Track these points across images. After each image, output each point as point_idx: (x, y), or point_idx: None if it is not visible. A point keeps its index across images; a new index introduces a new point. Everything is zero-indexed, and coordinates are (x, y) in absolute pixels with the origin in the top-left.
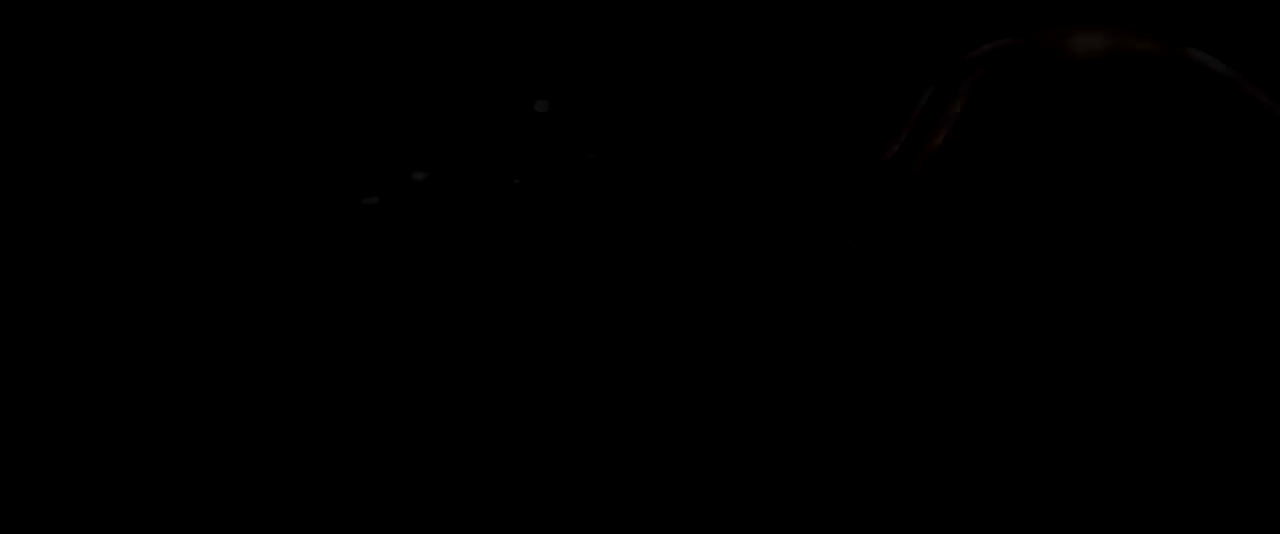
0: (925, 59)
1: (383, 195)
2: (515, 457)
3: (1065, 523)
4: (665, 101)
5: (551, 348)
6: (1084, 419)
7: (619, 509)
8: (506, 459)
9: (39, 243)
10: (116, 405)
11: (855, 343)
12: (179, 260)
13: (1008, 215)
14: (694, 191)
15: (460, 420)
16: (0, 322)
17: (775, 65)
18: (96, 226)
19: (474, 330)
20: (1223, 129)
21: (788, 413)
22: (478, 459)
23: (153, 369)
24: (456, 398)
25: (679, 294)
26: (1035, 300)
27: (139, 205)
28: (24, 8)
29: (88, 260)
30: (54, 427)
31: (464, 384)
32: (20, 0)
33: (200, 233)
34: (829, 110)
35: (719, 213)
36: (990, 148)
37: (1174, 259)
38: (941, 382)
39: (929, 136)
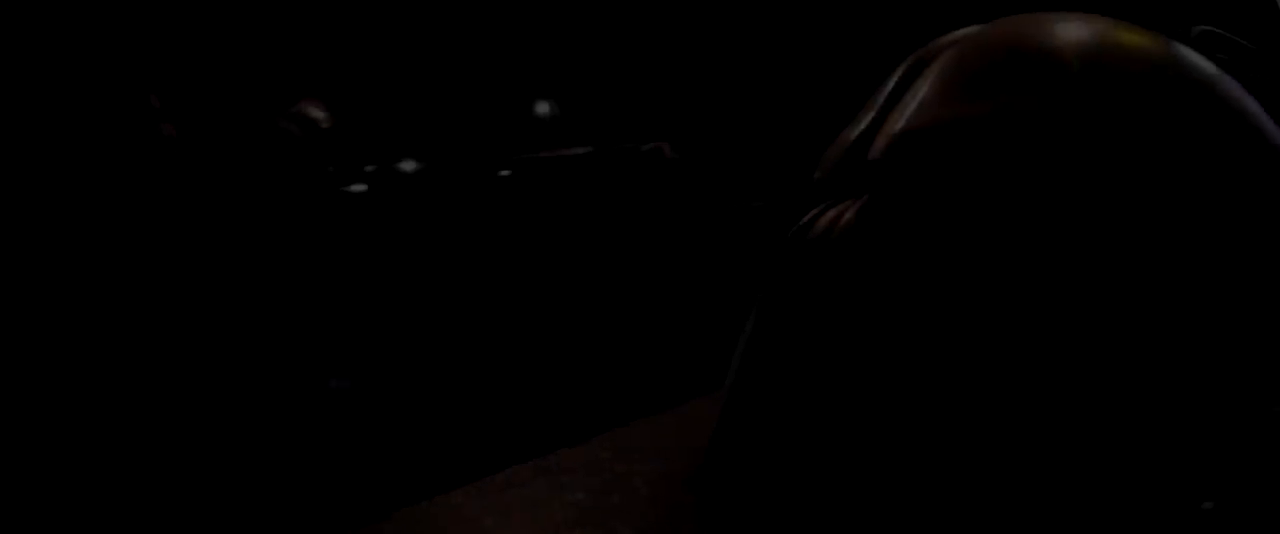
0: (898, 48)
1: (370, 183)
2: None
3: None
4: (648, 94)
5: (533, 335)
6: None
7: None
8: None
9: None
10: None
11: (807, 327)
12: (157, 247)
13: (967, 202)
14: (671, 178)
15: (439, 405)
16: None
17: (755, 57)
18: (73, 224)
19: (456, 316)
20: (1203, 127)
21: (753, 394)
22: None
23: (135, 361)
24: (438, 384)
25: (657, 280)
26: (992, 291)
27: (114, 195)
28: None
29: (66, 256)
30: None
31: (445, 370)
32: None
33: (175, 215)
34: (807, 100)
35: (695, 200)
36: (952, 133)
37: (1143, 256)
38: (889, 366)
39: (889, 119)
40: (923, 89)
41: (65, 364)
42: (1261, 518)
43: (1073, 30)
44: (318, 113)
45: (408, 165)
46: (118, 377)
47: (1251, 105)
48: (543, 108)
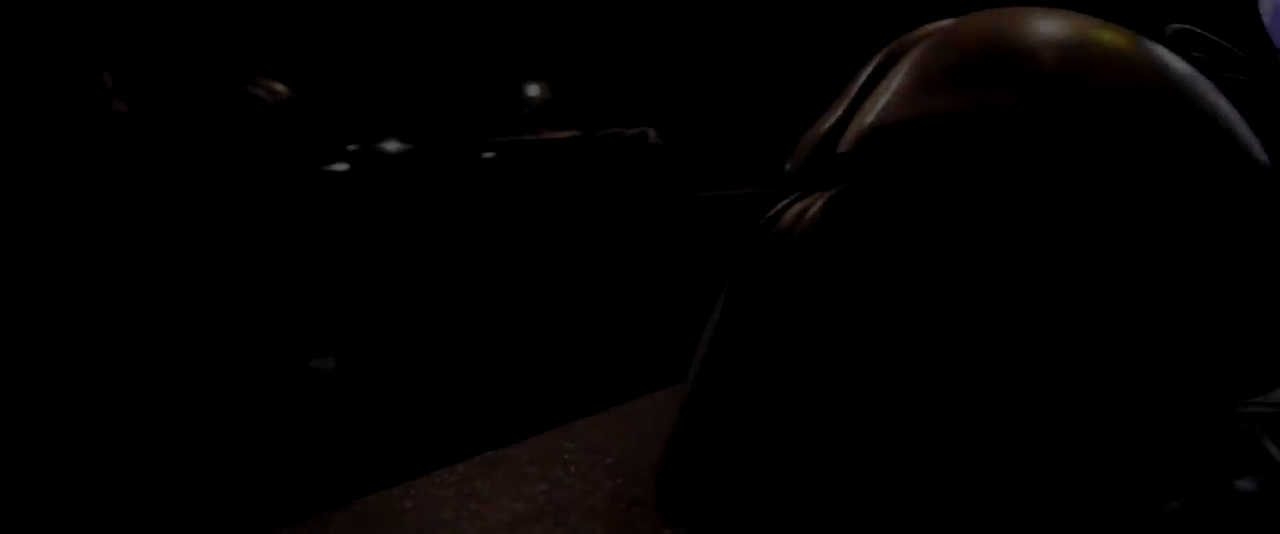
0: (880, 38)
1: (352, 163)
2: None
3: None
4: (636, 79)
5: (509, 320)
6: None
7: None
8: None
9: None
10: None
11: (775, 318)
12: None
13: (936, 198)
14: (656, 164)
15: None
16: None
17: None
18: (29, 206)
19: (434, 299)
20: (1174, 129)
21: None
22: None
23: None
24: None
25: (637, 267)
26: (958, 288)
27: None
28: None
29: (26, 239)
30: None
31: (421, 354)
32: None
33: (157, 194)
34: (793, 89)
35: (679, 186)
36: (923, 129)
37: (1112, 255)
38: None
39: (860, 112)
40: (895, 82)
41: (28, 346)
42: (1226, 518)
43: (1049, 27)
44: (278, 86)
45: (391, 146)
46: (83, 359)
47: (1224, 107)
48: (532, 91)
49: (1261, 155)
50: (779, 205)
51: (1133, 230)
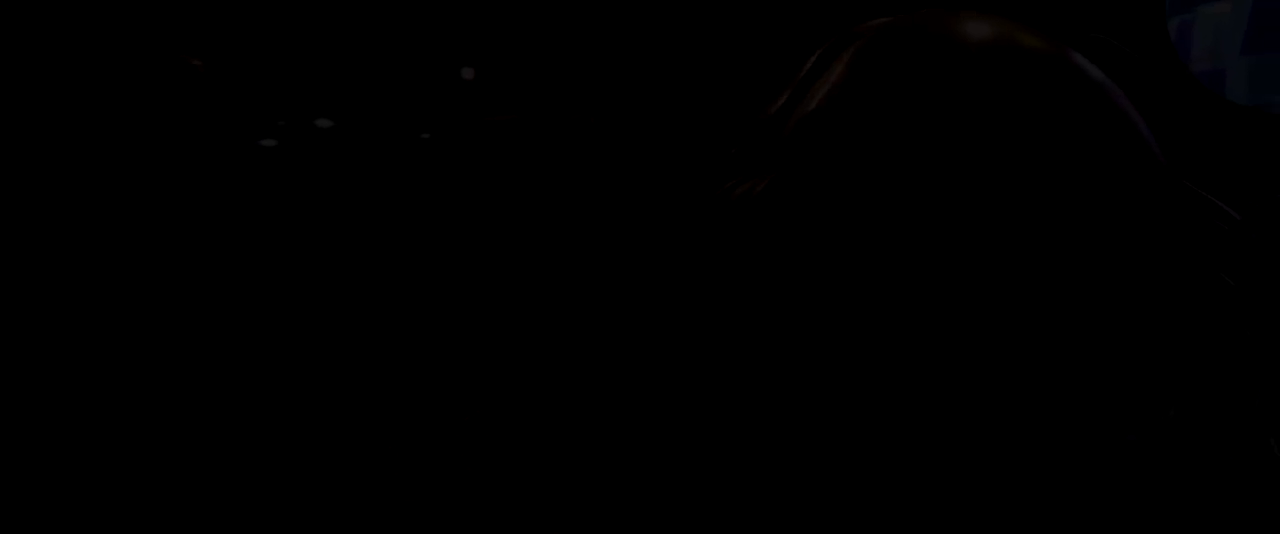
0: (819, 29)
1: (281, 139)
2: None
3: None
4: (576, 63)
5: (442, 298)
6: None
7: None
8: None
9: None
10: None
11: (707, 298)
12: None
13: (863, 182)
14: (590, 149)
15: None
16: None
17: (677, 29)
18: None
19: (366, 275)
20: (1093, 131)
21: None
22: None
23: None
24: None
25: (567, 250)
26: (883, 268)
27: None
28: None
29: None
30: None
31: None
32: None
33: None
34: (732, 79)
35: (614, 174)
36: (864, 116)
37: (1019, 247)
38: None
39: (805, 99)
40: (835, 73)
41: None
42: (1182, 451)
43: (979, 29)
44: (196, 61)
45: (323, 122)
46: None
47: (1136, 117)
48: (465, 74)
49: (1163, 159)
50: (725, 185)
51: (1044, 223)
